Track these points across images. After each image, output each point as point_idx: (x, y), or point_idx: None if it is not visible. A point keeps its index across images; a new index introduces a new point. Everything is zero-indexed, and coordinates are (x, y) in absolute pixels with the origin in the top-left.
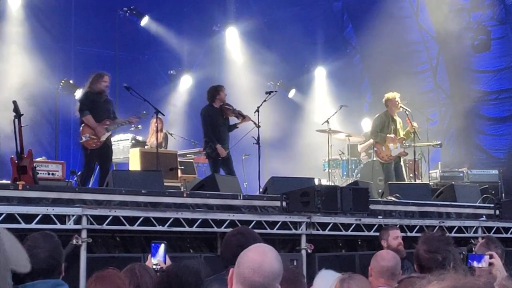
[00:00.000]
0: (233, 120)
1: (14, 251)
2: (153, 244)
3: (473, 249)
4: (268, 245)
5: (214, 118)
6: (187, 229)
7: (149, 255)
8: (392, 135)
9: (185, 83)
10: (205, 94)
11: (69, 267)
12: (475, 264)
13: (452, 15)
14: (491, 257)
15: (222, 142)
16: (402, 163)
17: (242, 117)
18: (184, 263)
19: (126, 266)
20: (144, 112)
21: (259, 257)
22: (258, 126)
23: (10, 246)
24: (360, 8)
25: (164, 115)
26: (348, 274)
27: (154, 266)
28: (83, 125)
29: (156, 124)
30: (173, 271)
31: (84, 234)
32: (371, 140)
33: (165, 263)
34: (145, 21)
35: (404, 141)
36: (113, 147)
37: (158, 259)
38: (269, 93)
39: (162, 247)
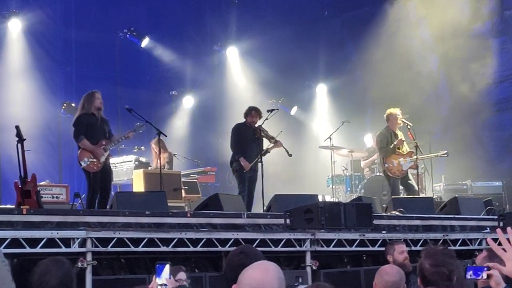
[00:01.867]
0: (266, 144)
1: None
2: (157, 265)
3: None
4: (270, 262)
5: (243, 133)
6: (191, 249)
7: (154, 276)
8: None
9: (187, 103)
10: (207, 113)
11: None
12: (473, 276)
13: (452, 28)
14: (489, 268)
15: (248, 157)
16: (410, 175)
17: (274, 142)
18: None
19: None
20: (138, 124)
21: (259, 275)
22: (290, 155)
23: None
24: (358, 24)
25: (166, 136)
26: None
27: (159, 287)
28: (80, 149)
29: (157, 146)
30: None
31: (89, 256)
32: (374, 156)
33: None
34: (145, 42)
35: (412, 154)
36: (116, 168)
37: (163, 279)
38: (270, 111)
39: (167, 268)
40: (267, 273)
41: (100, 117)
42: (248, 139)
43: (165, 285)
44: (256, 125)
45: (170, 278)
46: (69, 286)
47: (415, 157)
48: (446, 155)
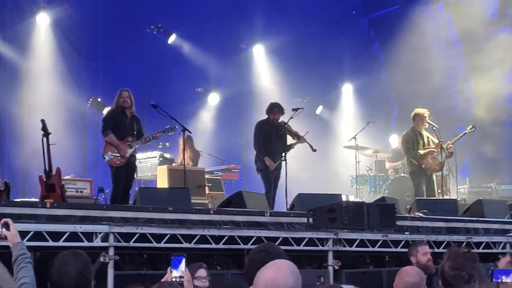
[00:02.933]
0: (290, 140)
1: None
2: (173, 257)
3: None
4: (286, 260)
5: (266, 131)
6: (213, 246)
7: (169, 268)
8: (428, 150)
9: (213, 100)
10: (232, 111)
11: (97, 284)
12: (504, 279)
13: (480, 29)
14: None
15: (272, 156)
16: (434, 177)
17: (298, 137)
18: None
19: (155, 284)
20: (169, 126)
21: (273, 273)
22: (314, 150)
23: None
24: (386, 24)
25: (191, 132)
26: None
27: (174, 279)
28: (105, 143)
29: (183, 143)
30: None
31: (111, 251)
32: (399, 163)
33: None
34: (172, 38)
35: (442, 147)
36: (141, 164)
37: (180, 271)
38: (296, 109)
39: (183, 260)
40: (280, 271)
41: (131, 115)
42: (272, 137)
43: (182, 277)
44: (279, 121)
45: (185, 270)
46: (87, 277)
47: (446, 144)
48: (473, 129)
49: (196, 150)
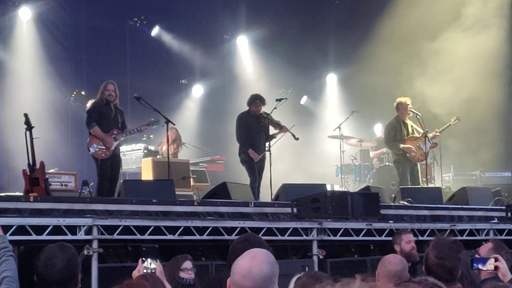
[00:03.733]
0: (272, 130)
1: None
2: (144, 249)
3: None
4: (261, 249)
5: (248, 123)
6: (198, 237)
7: (140, 260)
8: (407, 145)
9: (197, 92)
10: (217, 102)
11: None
12: (480, 267)
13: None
14: (496, 260)
15: (256, 147)
16: (418, 166)
17: (280, 127)
18: None
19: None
20: (153, 119)
21: (248, 263)
22: (297, 138)
23: None
24: (369, 12)
25: (174, 124)
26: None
27: (146, 270)
28: (90, 136)
29: (172, 135)
30: None
31: (95, 244)
32: (383, 149)
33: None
34: (155, 31)
35: (426, 136)
36: (125, 157)
37: (152, 262)
38: (279, 100)
39: (155, 251)
40: (254, 259)
41: (115, 107)
42: (254, 128)
43: (154, 268)
44: (261, 113)
45: (157, 261)
46: (74, 270)
47: (432, 133)
48: (457, 121)
49: (178, 144)
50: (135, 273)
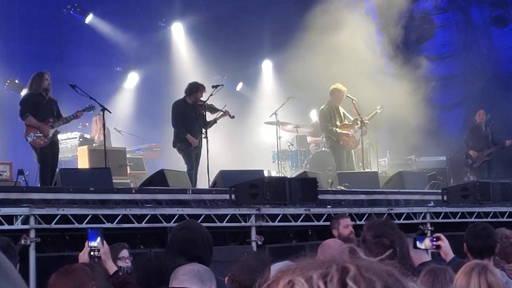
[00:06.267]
0: (211, 117)
1: None
2: (90, 230)
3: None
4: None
5: (185, 111)
6: (136, 225)
7: (86, 242)
8: (345, 131)
9: (132, 80)
10: (152, 90)
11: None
12: (417, 244)
13: (396, 4)
14: (438, 239)
15: (193, 134)
16: (352, 151)
17: (219, 111)
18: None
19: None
20: (88, 105)
21: None
22: (232, 117)
23: None
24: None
25: (110, 112)
26: None
27: (91, 251)
28: (26, 126)
29: (101, 121)
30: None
31: (32, 234)
32: (320, 138)
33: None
34: (89, 18)
35: (357, 124)
36: (61, 145)
37: (95, 243)
38: (215, 86)
39: (99, 232)
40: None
41: (48, 97)
42: (191, 115)
43: (98, 249)
44: (200, 102)
45: (102, 243)
46: (11, 258)
47: (359, 123)
48: (382, 109)
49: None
50: (81, 256)
